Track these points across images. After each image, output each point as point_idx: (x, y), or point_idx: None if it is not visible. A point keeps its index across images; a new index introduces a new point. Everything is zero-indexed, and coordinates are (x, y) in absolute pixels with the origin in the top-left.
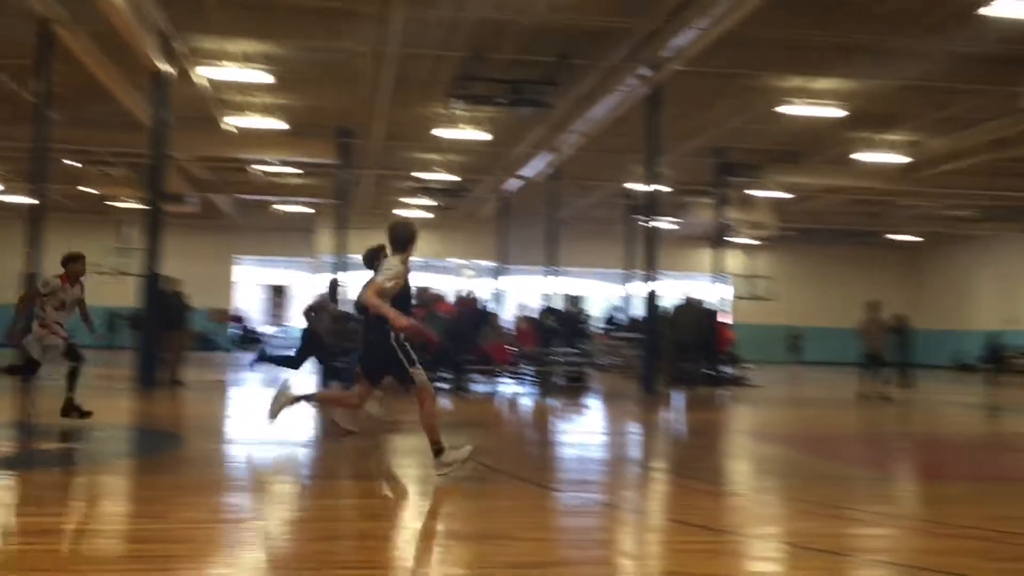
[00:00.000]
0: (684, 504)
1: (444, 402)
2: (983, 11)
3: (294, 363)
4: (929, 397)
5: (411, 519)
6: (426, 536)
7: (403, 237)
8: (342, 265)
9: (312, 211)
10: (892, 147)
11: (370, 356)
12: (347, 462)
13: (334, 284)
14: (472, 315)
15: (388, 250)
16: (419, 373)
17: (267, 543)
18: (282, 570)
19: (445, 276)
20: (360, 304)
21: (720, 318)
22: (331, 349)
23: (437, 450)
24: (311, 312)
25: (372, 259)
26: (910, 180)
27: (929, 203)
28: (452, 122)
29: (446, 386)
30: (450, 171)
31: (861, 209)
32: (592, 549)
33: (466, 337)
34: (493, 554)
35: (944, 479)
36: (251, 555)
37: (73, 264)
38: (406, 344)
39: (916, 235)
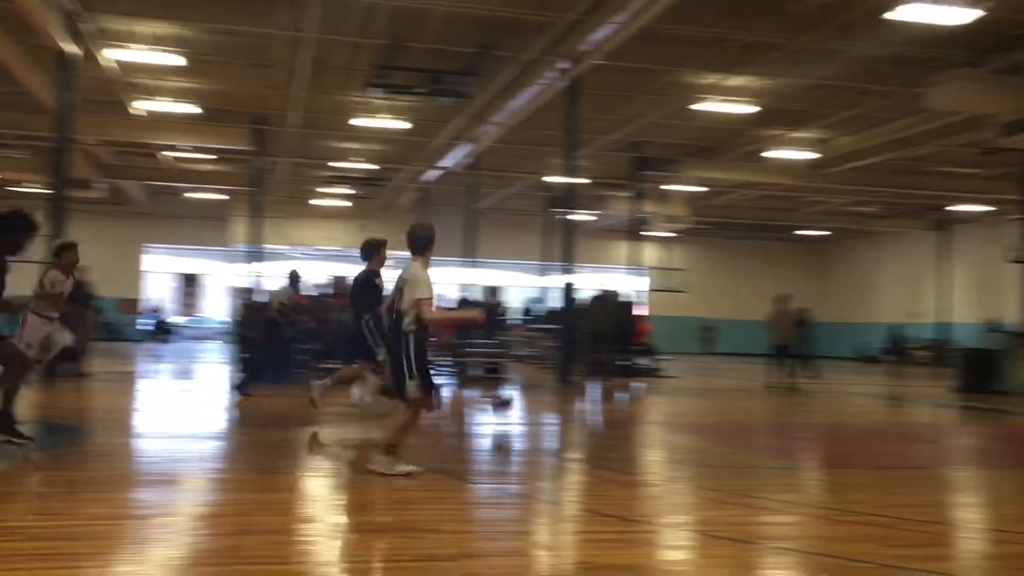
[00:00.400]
0: (598, 494)
1: (359, 392)
2: (888, 15)
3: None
4: (834, 388)
5: (324, 513)
6: (338, 530)
7: (425, 239)
8: (257, 254)
9: (226, 198)
10: (802, 144)
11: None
12: (259, 455)
13: (295, 275)
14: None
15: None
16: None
17: (175, 539)
18: (190, 567)
19: (361, 267)
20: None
21: (636, 310)
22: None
23: (390, 450)
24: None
25: (370, 253)
26: (818, 177)
27: (836, 199)
28: (371, 111)
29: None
30: (368, 160)
31: (772, 204)
32: (506, 540)
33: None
34: (406, 547)
35: (847, 467)
36: (158, 552)
37: (68, 253)
38: (418, 356)
39: (823, 230)
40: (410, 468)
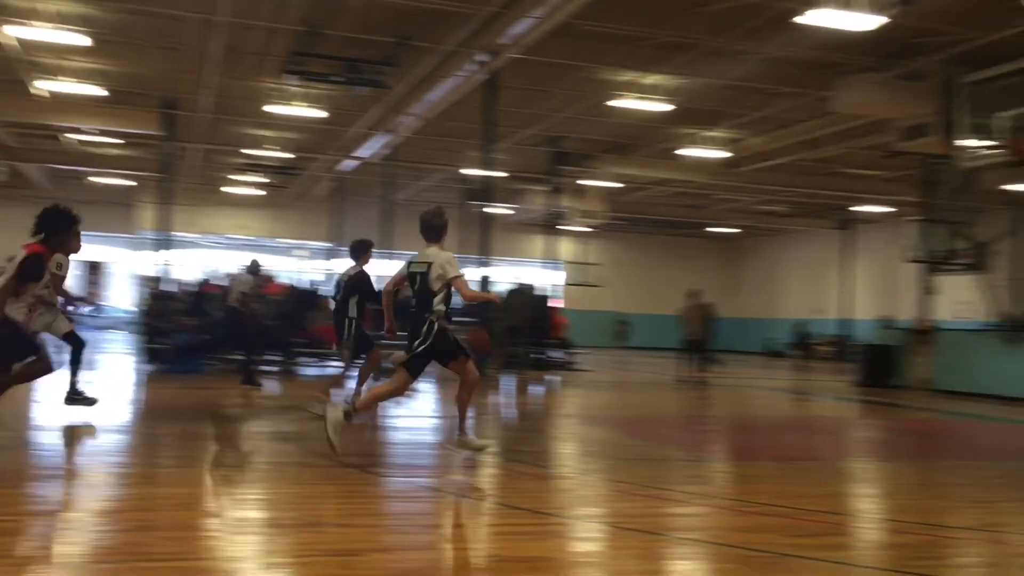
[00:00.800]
0: (511, 487)
1: (272, 385)
2: (798, 19)
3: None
4: (741, 382)
5: (230, 508)
6: (244, 525)
7: (441, 226)
8: (165, 242)
9: (133, 184)
10: (714, 143)
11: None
12: (164, 449)
13: (255, 265)
14: (301, 297)
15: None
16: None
17: (75, 535)
18: (91, 563)
19: (276, 257)
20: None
21: (552, 304)
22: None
23: (349, 413)
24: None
25: (360, 252)
26: (730, 175)
27: (746, 198)
28: (286, 98)
29: (275, 369)
30: (283, 149)
31: (685, 201)
32: (417, 534)
33: (295, 319)
34: (314, 542)
35: (752, 459)
36: (58, 548)
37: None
38: (437, 337)
39: (734, 227)
40: (335, 439)
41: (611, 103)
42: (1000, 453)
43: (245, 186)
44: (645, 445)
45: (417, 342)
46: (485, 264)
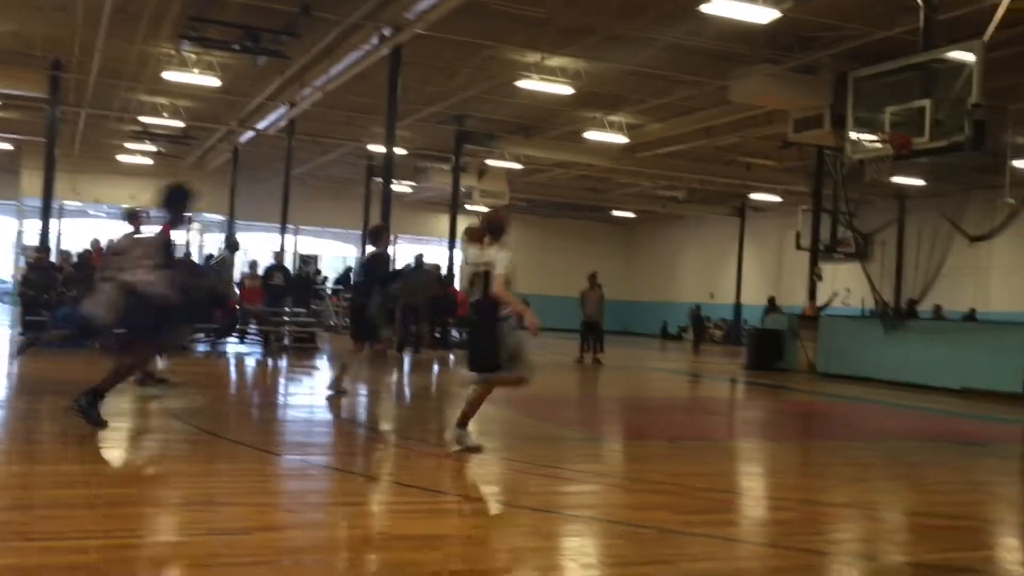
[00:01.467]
0: (405, 466)
1: (163, 361)
2: (703, 8)
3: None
4: (637, 363)
5: (116, 485)
6: (130, 503)
7: (500, 226)
8: (50, 210)
9: (12, 148)
10: (616, 128)
11: (480, 342)
12: (45, 424)
13: (233, 241)
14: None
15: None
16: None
17: None
18: None
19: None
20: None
21: (455, 283)
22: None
23: (463, 422)
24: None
25: (378, 235)
26: (631, 160)
27: (646, 183)
28: (181, 65)
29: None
30: (178, 117)
31: (587, 185)
32: (307, 512)
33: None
34: (202, 520)
35: (644, 439)
36: None
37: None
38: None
39: (634, 211)
40: (478, 444)
41: (516, 84)
42: (877, 434)
43: (138, 155)
44: (541, 425)
45: (489, 343)
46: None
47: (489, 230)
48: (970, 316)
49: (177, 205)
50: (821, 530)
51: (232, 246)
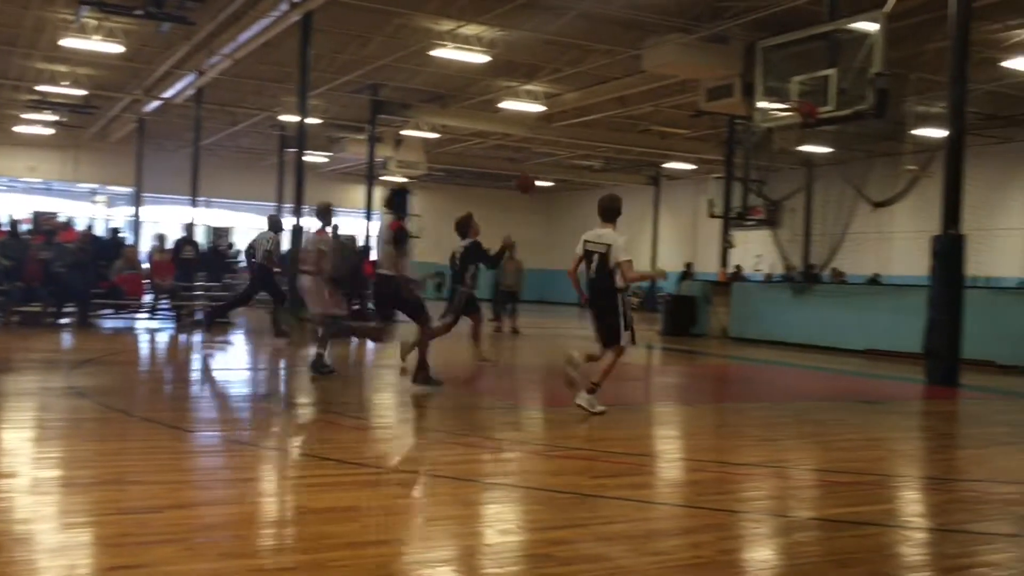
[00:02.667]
0: (324, 439)
1: (67, 337)
2: None
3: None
4: (556, 331)
5: (21, 465)
6: (36, 484)
7: (616, 210)
8: None
9: None
10: (532, 97)
11: (607, 317)
12: None
13: (276, 221)
14: (101, 245)
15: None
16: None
17: None
18: None
19: (74, 202)
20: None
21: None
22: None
23: (592, 389)
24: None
25: (467, 227)
26: (547, 130)
27: (562, 152)
28: (81, 31)
29: (68, 321)
30: (79, 86)
31: (504, 154)
32: (221, 489)
33: (93, 269)
34: (112, 500)
35: (562, 406)
36: None
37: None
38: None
39: (552, 181)
40: (604, 408)
41: (431, 52)
42: (786, 395)
43: (37, 125)
44: (461, 394)
45: (615, 318)
46: (300, 213)
47: (605, 212)
48: (874, 280)
49: (401, 205)
50: (732, 489)
51: (276, 226)
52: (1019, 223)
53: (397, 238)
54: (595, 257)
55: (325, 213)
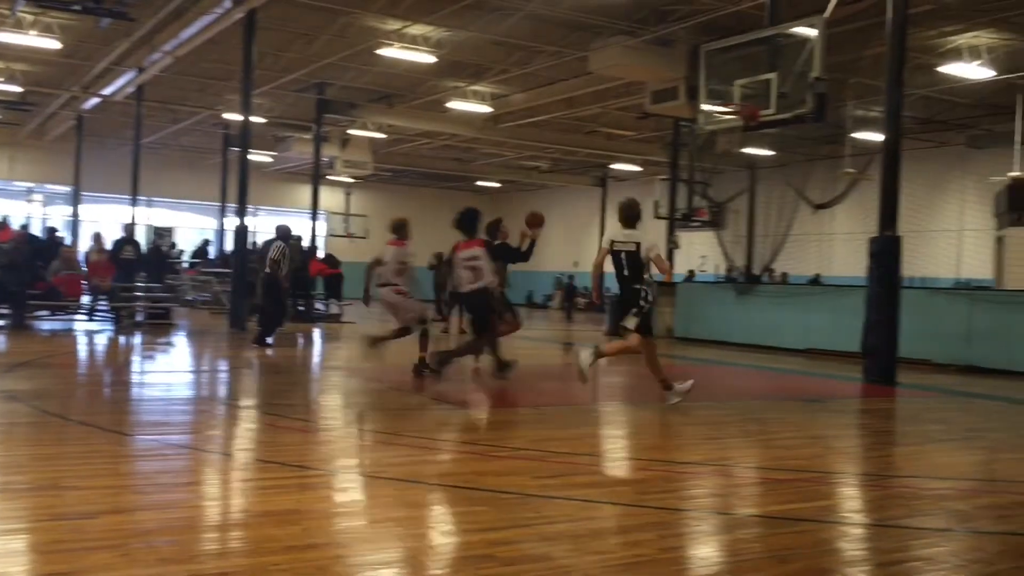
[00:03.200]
0: (267, 441)
1: (1, 339)
2: None
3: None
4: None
5: None
6: None
7: (638, 214)
8: None
9: None
10: (479, 98)
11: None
12: None
13: (286, 231)
14: (37, 245)
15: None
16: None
17: None
18: None
19: (9, 201)
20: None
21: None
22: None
23: (669, 385)
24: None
25: (496, 229)
26: (494, 130)
27: (510, 153)
28: (17, 25)
29: (3, 322)
30: (14, 82)
31: (451, 155)
32: (160, 493)
33: (30, 270)
34: (46, 505)
35: (508, 406)
36: None
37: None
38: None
39: (498, 182)
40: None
41: (377, 52)
42: (729, 394)
43: None
44: (406, 396)
45: (640, 306)
46: (244, 213)
47: (628, 219)
48: (815, 280)
49: (473, 224)
50: (675, 488)
51: (285, 236)
52: (954, 225)
53: (495, 254)
54: (623, 256)
55: (403, 227)
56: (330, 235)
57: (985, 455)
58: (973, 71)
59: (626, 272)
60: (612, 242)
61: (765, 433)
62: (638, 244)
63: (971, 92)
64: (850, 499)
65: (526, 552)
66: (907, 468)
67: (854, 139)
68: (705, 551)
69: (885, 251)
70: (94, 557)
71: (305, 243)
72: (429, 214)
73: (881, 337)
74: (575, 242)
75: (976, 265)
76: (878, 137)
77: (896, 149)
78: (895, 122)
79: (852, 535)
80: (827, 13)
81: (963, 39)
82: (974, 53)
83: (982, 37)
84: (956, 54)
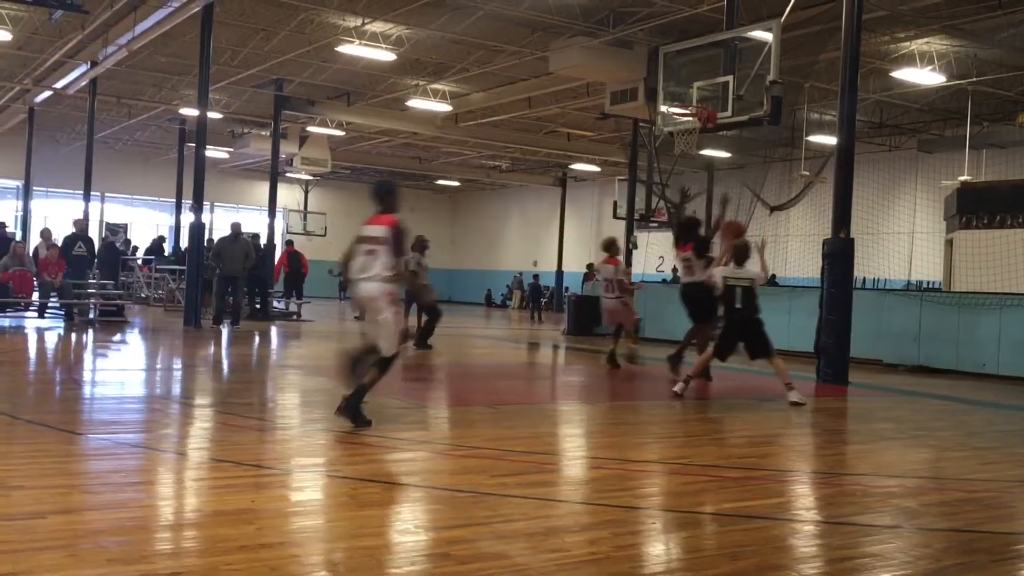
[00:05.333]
0: (222, 440)
1: None
2: None
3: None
4: (462, 331)
5: None
6: None
7: (748, 251)
8: None
9: None
10: (439, 96)
11: (761, 335)
12: None
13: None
14: None
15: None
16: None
17: None
18: None
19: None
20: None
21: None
22: None
23: (792, 386)
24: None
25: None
26: (454, 129)
27: (470, 152)
28: None
29: None
30: None
31: (411, 153)
32: (111, 493)
33: None
34: None
35: (466, 405)
36: None
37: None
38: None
39: (457, 180)
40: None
41: (337, 48)
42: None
43: None
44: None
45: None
46: (199, 209)
47: (738, 254)
48: (771, 281)
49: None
50: (630, 486)
51: (421, 246)
52: (906, 228)
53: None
54: (742, 291)
55: (613, 245)
56: (289, 232)
57: (933, 453)
58: (925, 76)
59: (743, 306)
60: (726, 278)
61: (719, 432)
62: (752, 280)
63: (923, 97)
64: (802, 496)
65: (482, 550)
66: (858, 466)
67: (809, 142)
68: (659, 548)
69: (838, 252)
70: (42, 558)
71: (263, 240)
72: None
73: (833, 337)
74: (535, 241)
75: (926, 267)
76: (832, 140)
77: (850, 152)
78: (849, 126)
79: (803, 532)
80: (783, 17)
81: (915, 45)
82: (926, 59)
83: (934, 43)
84: (909, 60)
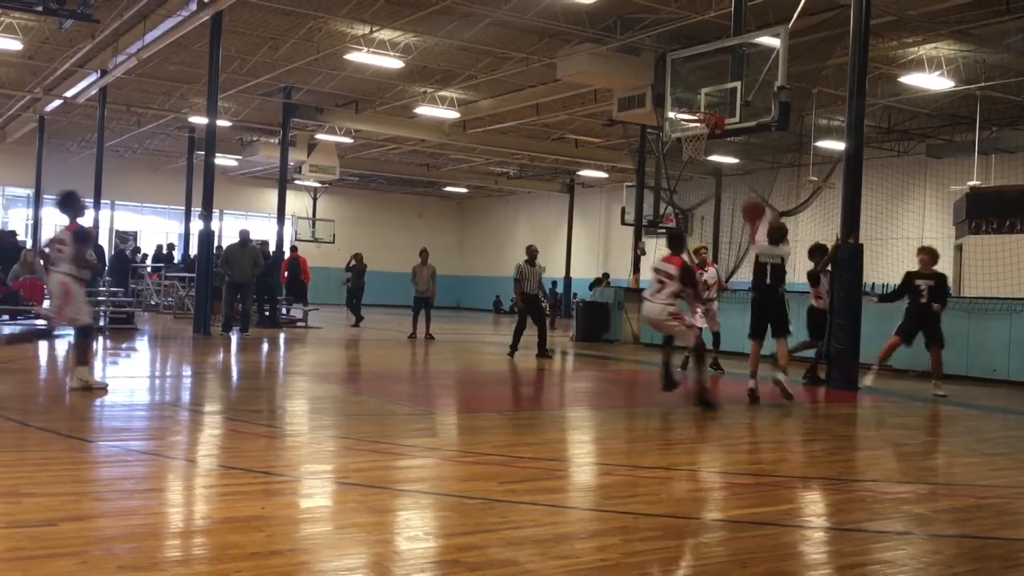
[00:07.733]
0: (231, 447)
1: None
2: None
3: None
4: (470, 337)
5: None
6: None
7: (785, 231)
8: None
9: None
10: (447, 104)
11: (783, 315)
12: None
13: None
14: None
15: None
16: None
17: None
18: None
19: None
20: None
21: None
22: None
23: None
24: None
25: (818, 254)
26: (462, 136)
27: (477, 159)
28: None
29: None
30: None
31: (419, 160)
32: (121, 500)
33: None
34: (4, 513)
35: (475, 412)
36: None
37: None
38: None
39: (465, 187)
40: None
41: (345, 56)
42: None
43: None
44: (372, 401)
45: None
46: (208, 217)
47: (773, 234)
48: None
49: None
50: (639, 492)
51: (532, 257)
52: (914, 233)
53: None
54: (773, 268)
55: (679, 240)
56: (297, 239)
57: (944, 459)
58: (933, 82)
59: (770, 284)
60: (760, 255)
61: (728, 438)
62: (783, 258)
63: (931, 102)
64: (812, 503)
65: (492, 557)
66: (868, 472)
67: (817, 147)
68: (669, 555)
69: (848, 258)
70: (53, 565)
71: (273, 248)
72: (395, 219)
73: (844, 342)
74: (543, 248)
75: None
76: (841, 146)
77: (858, 158)
78: (857, 131)
79: (813, 539)
80: (791, 23)
81: (923, 50)
82: (934, 64)
83: (942, 48)
84: (917, 65)
